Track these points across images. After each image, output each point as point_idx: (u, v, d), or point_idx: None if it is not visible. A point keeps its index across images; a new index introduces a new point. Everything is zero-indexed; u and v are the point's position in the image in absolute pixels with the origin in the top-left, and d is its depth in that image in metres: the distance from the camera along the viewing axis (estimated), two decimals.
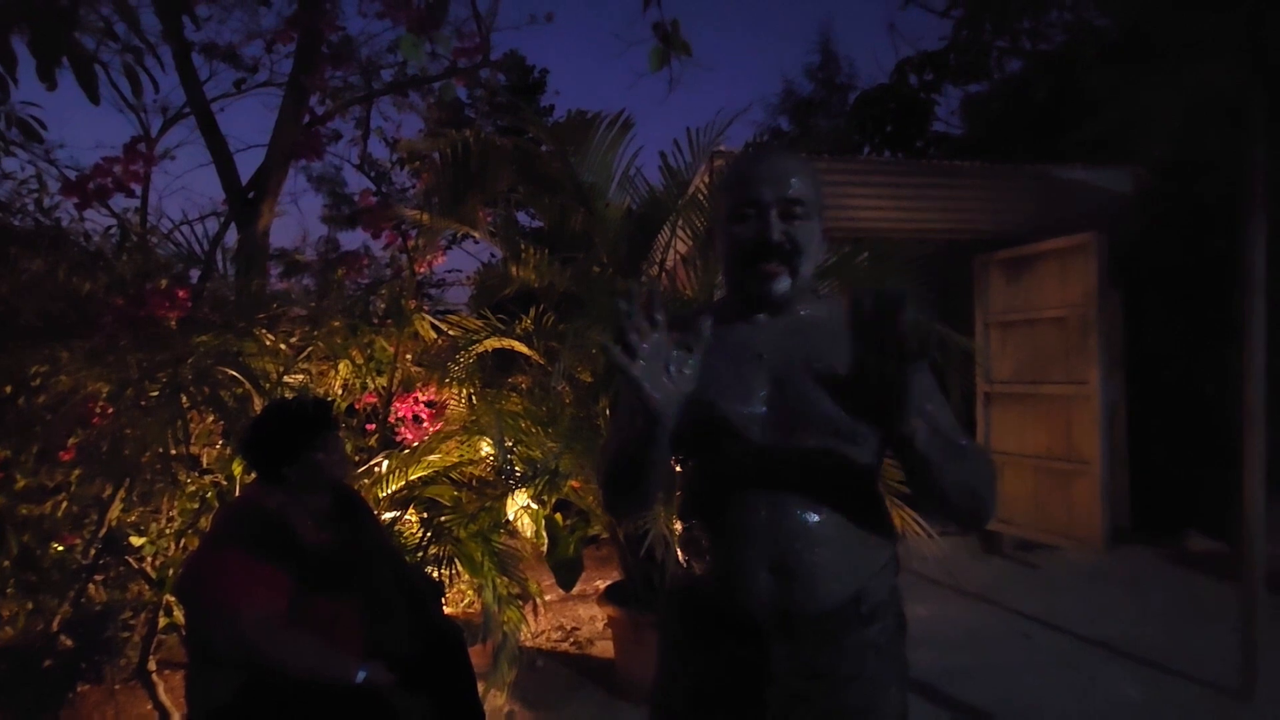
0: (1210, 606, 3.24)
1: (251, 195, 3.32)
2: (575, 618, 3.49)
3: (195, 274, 3.07)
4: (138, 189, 3.18)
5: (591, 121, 2.58)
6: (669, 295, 2.71)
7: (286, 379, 2.59)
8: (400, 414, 3.30)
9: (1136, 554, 4.09)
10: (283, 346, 2.65)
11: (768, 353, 1.01)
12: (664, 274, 2.91)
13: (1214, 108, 3.32)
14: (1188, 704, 2.48)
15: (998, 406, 4.54)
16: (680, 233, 2.87)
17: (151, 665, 2.43)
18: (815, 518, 0.96)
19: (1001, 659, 2.88)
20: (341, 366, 2.96)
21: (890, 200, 4.14)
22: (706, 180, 3.07)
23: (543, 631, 3.31)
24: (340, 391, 3.04)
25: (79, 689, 2.63)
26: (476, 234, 2.93)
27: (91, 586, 2.51)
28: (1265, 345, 2.44)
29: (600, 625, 3.29)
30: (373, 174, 4.69)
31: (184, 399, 2.39)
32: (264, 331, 2.63)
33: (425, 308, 3.49)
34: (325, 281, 3.67)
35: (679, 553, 1.07)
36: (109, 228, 3.18)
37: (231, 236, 3.39)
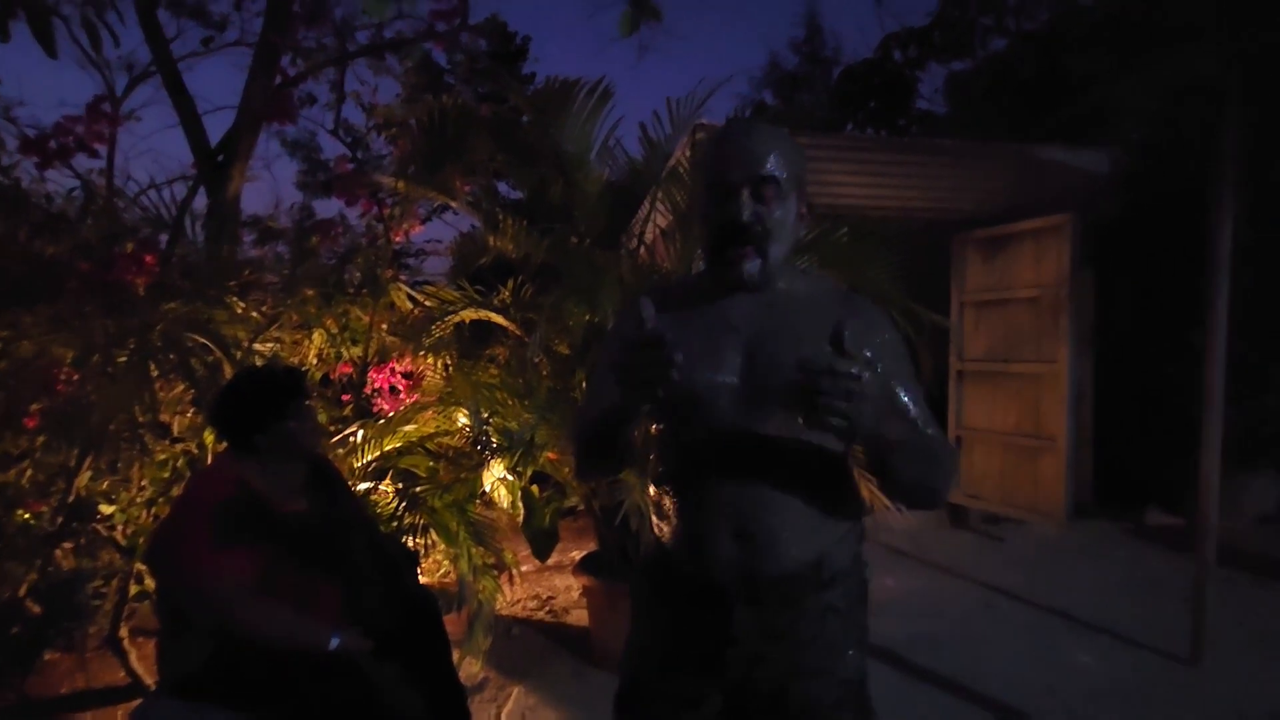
0: (1165, 578, 3.37)
1: (221, 159, 3.23)
2: (551, 587, 3.53)
3: (164, 239, 3.00)
4: (102, 149, 3.08)
5: (571, 89, 2.54)
6: (647, 269, 2.70)
7: (258, 347, 2.55)
8: (377, 385, 3.28)
9: (1098, 528, 4.23)
10: (254, 314, 2.61)
11: (743, 325, 1.01)
12: (643, 247, 2.90)
13: (1191, 91, 3.35)
14: (1139, 669, 2.59)
15: (969, 384, 4.62)
16: (660, 206, 2.85)
17: (123, 633, 2.42)
18: (780, 486, 0.98)
19: (965, 628, 2.97)
20: (316, 336, 2.92)
21: (870, 177, 4.14)
22: (688, 153, 3.05)
23: (519, 600, 3.35)
24: (315, 361, 3.00)
25: (50, 657, 2.62)
26: (453, 203, 2.89)
27: (60, 554, 2.48)
28: (1226, 326, 2.50)
29: (576, 594, 3.33)
30: (348, 140, 4.59)
31: (152, 366, 2.35)
32: (235, 299, 2.58)
33: (402, 278, 3.44)
34: (299, 249, 3.60)
35: (653, 519, 1.09)
36: (72, 189, 3.08)
37: (201, 201, 3.31)
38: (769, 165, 0.97)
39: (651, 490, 1.11)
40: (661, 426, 1.08)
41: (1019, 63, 6.32)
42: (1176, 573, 3.24)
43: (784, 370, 0.96)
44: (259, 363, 2.50)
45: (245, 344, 2.52)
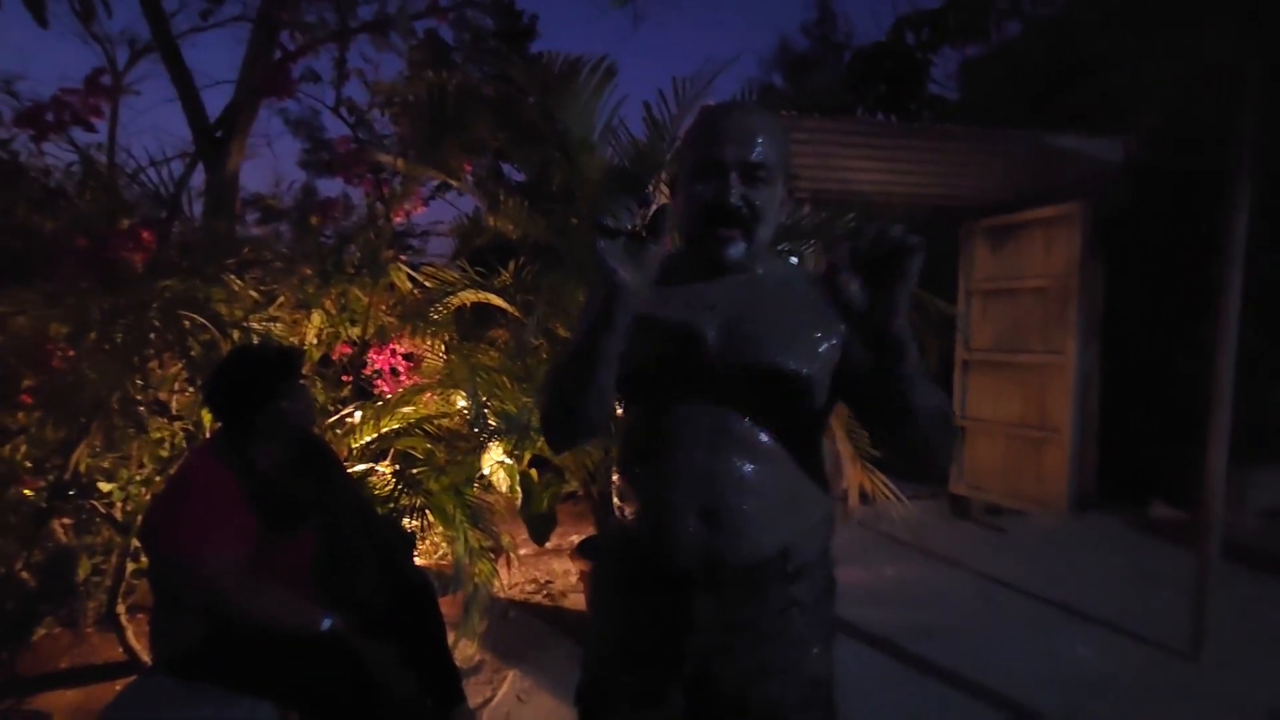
0: (1167, 572, 3.34)
1: (220, 134, 3.19)
2: (549, 571, 3.53)
3: (164, 215, 2.97)
4: (100, 124, 3.05)
5: (574, 66, 2.49)
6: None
7: (256, 326, 2.54)
8: (378, 366, 3.26)
9: (1102, 521, 4.19)
10: (252, 293, 2.59)
11: (720, 304, 0.99)
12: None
13: (1208, 77, 3.28)
14: (1138, 663, 2.57)
15: (974, 374, 4.58)
16: (665, 189, 2.81)
17: (121, 609, 2.43)
18: (750, 467, 0.96)
19: (964, 619, 2.95)
20: (315, 316, 2.90)
21: (879, 163, 4.08)
22: None
23: (516, 584, 3.35)
24: (314, 341, 2.98)
25: (50, 632, 2.63)
26: (454, 182, 2.85)
27: (60, 530, 2.49)
28: (1239, 316, 2.46)
29: (574, 578, 3.33)
30: (352, 119, 4.54)
31: (150, 343, 2.33)
32: (232, 277, 2.56)
33: (402, 258, 3.42)
34: (301, 228, 3.58)
35: (615, 500, 1.06)
36: (70, 164, 3.05)
37: (202, 178, 3.28)
38: (760, 149, 0.95)
39: (615, 475, 1.07)
40: (632, 405, 1.05)
41: (1033, 48, 6.20)
42: (1179, 566, 3.20)
43: (765, 352, 0.96)
44: (255, 341, 2.48)
45: (243, 323, 2.50)
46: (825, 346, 0.98)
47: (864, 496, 3.20)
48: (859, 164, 4.05)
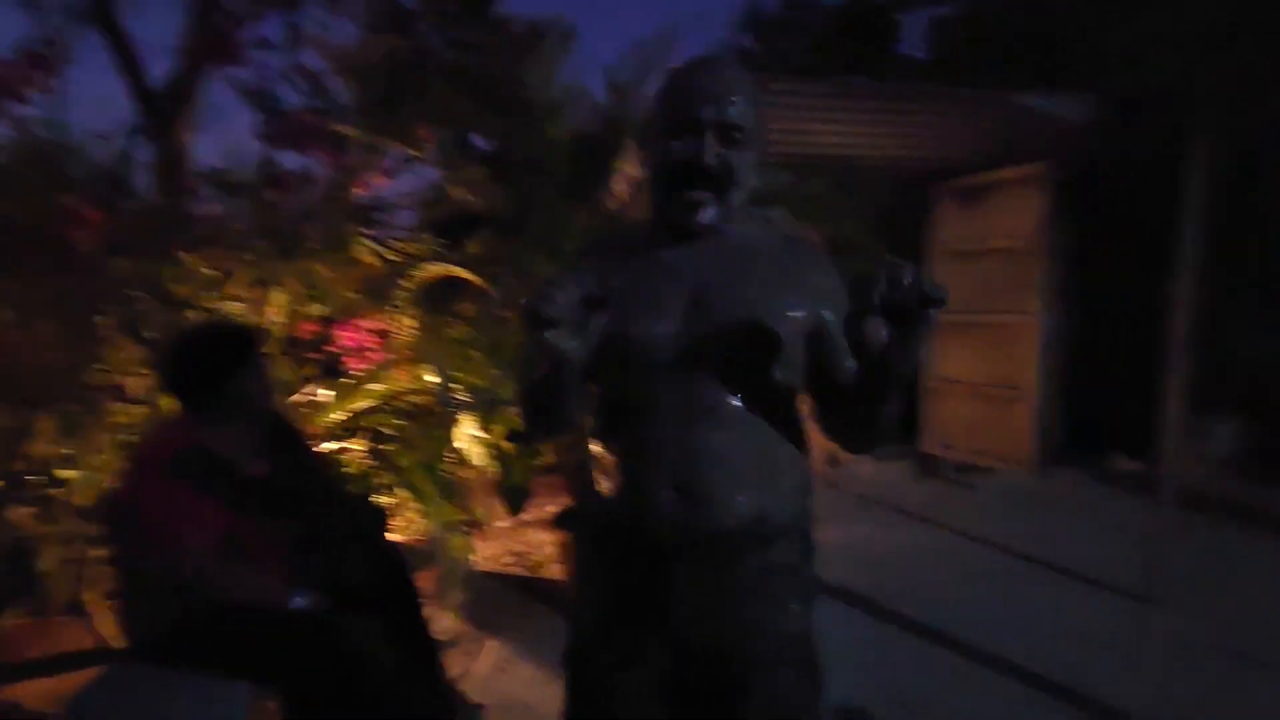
0: (1127, 522, 3.46)
1: (164, 105, 3.05)
2: (528, 542, 3.55)
3: (111, 192, 2.85)
4: (37, 96, 2.89)
5: (534, 29, 2.42)
6: (611, 218, 2.64)
7: (213, 305, 2.47)
8: (346, 343, 3.19)
9: (1066, 475, 4.33)
10: (206, 271, 2.51)
11: (688, 271, 0.98)
12: (613, 198, 2.82)
13: (1174, 41, 3.30)
14: (1096, 608, 2.69)
15: (943, 335, 4.64)
16: (631, 155, 2.76)
17: (89, 597, 2.38)
18: (721, 436, 0.95)
19: (933, 574, 3.04)
20: (277, 293, 2.82)
21: (846, 125, 4.04)
22: None
23: (494, 556, 3.37)
24: (278, 319, 2.91)
25: (20, 621, 2.58)
26: (414, 152, 2.77)
27: (21, 519, 2.43)
28: (1195, 276, 2.51)
29: (551, 549, 3.35)
30: (305, 88, 4.36)
31: (101, 326, 2.26)
32: (185, 255, 2.47)
33: (366, 232, 3.32)
34: (258, 203, 3.45)
35: (595, 473, 1.06)
36: (6, 139, 2.90)
37: (150, 153, 3.14)
38: (737, 107, 0.93)
39: (593, 445, 1.07)
40: (604, 380, 1.04)
41: (1002, 7, 6.17)
42: (1137, 516, 3.33)
43: (737, 319, 0.95)
44: (209, 320, 2.41)
45: (199, 302, 2.43)
46: (797, 313, 0.97)
47: (833, 458, 3.25)
48: (827, 126, 4.01)
